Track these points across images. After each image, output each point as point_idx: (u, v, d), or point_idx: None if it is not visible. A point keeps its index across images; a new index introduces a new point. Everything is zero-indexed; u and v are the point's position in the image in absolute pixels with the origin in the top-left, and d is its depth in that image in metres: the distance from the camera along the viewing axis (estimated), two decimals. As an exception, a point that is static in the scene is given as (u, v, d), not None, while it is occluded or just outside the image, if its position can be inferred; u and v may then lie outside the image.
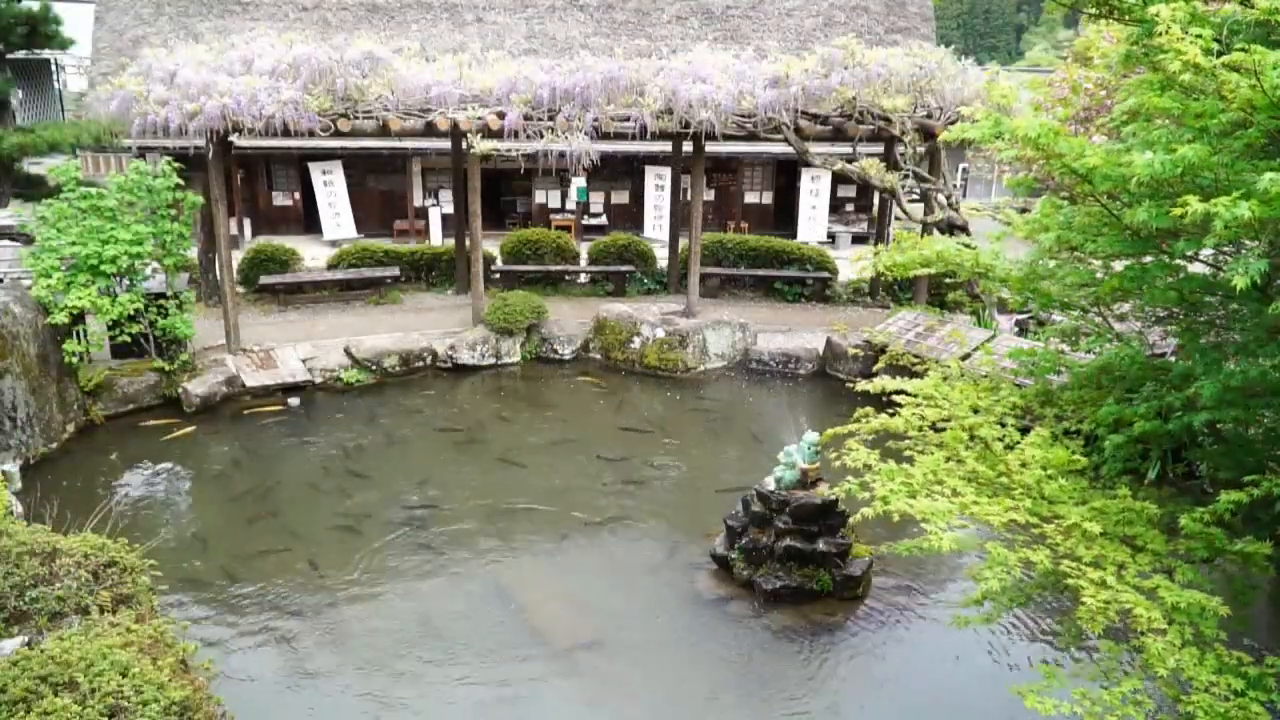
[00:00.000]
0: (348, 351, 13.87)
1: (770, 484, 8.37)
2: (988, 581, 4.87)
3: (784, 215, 23.55)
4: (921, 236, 14.35)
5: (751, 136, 14.06)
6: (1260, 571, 5.46)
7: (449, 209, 20.77)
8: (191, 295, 12.87)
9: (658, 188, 22.42)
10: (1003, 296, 7.55)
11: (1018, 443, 6.23)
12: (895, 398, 6.74)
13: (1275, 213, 4.21)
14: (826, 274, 17.55)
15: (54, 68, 28.15)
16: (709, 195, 22.72)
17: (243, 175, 21.43)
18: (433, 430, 12.23)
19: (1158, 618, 4.45)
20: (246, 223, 21.35)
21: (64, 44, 15.71)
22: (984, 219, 8.83)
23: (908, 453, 6.29)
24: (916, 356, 11.66)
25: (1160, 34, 4.78)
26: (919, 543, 5.44)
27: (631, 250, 17.93)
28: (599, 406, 13.35)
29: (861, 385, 6.94)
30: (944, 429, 6.32)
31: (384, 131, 13.35)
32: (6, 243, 14.13)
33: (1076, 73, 18.10)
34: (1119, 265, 6.45)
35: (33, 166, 15.16)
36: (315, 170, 21.18)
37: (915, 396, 6.58)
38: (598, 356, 14.84)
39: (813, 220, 22.79)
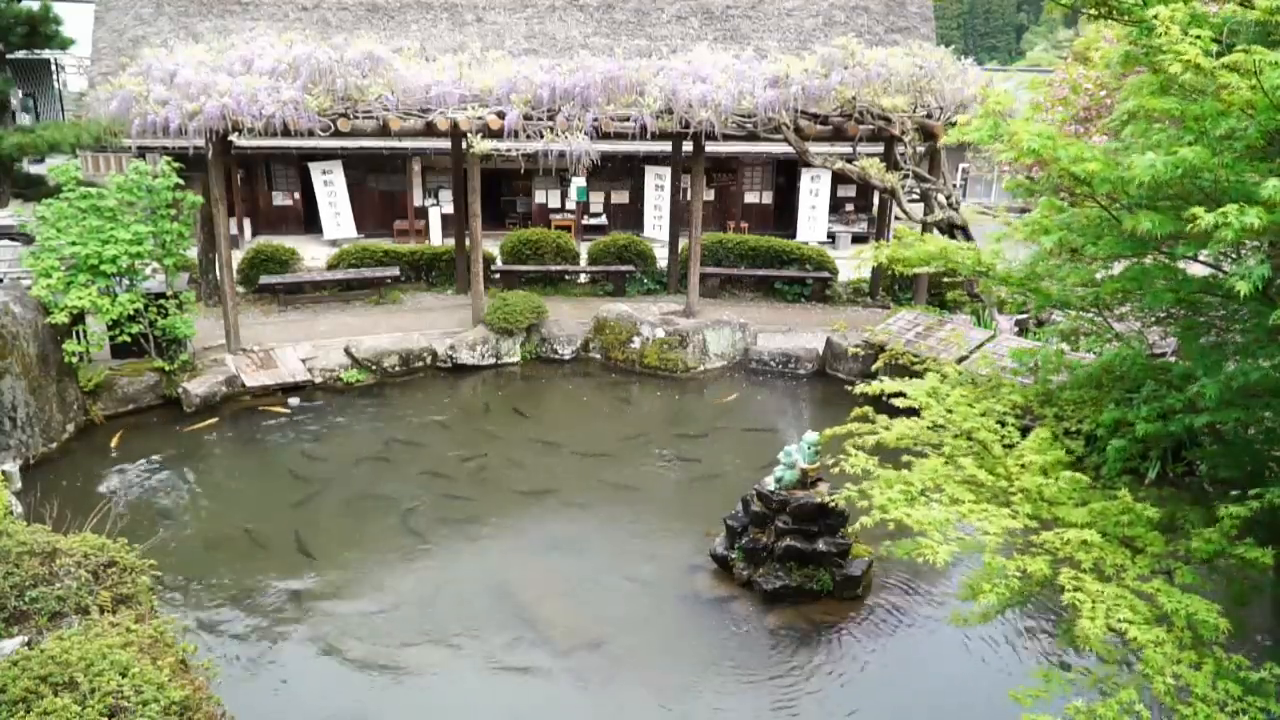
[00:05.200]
0: (348, 351, 13.87)
1: (770, 484, 8.37)
2: (986, 596, 4.86)
3: (784, 215, 23.55)
4: (921, 236, 14.33)
5: (751, 136, 14.06)
6: (1260, 574, 5.46)
7: (449, 209, 20.79)
8: (191, 295, 12.87)
9: (658, 188, 22.42)
10: (1001, 297, 7.57)
11: (1017, 443, 6.23)
12: (894, 400, 6.73)
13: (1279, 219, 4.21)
14: (826, 274, 17.55)
15: (54, 68, 28.18)
16: (709, 195, 22.72)
17: (243, 175, 21.44)
18: (434, 429, 12.22)
19: (1153, 639, 4.42)
20: (246, 223, 21.35)
21: (64, 44, 15.70)
22: (984, 221, 8.85)
23: (906, 458, 6.29)
24: (916, 356, 11.65)
25: (1160, 34, 4.78)
26: (918, 545, 5.43)
27: (631, 250, 17.94)
28: (598, 406, 13.36)
29: (860, 388, 6.92)
30: (942, 426, 6.32)
31: (384, 131, 13.35)
32: (6, 243, 14.14)
33: (1076, 72, 18.10)
34: (1119, 266, 6.44)
35: (33, 166, 15.16)
36: (315, 170, 21.19)
37: (914, 398, 6.57)
38: (598, 356, 14.84)
39: (813, 220, 22.80)
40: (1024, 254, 7.21)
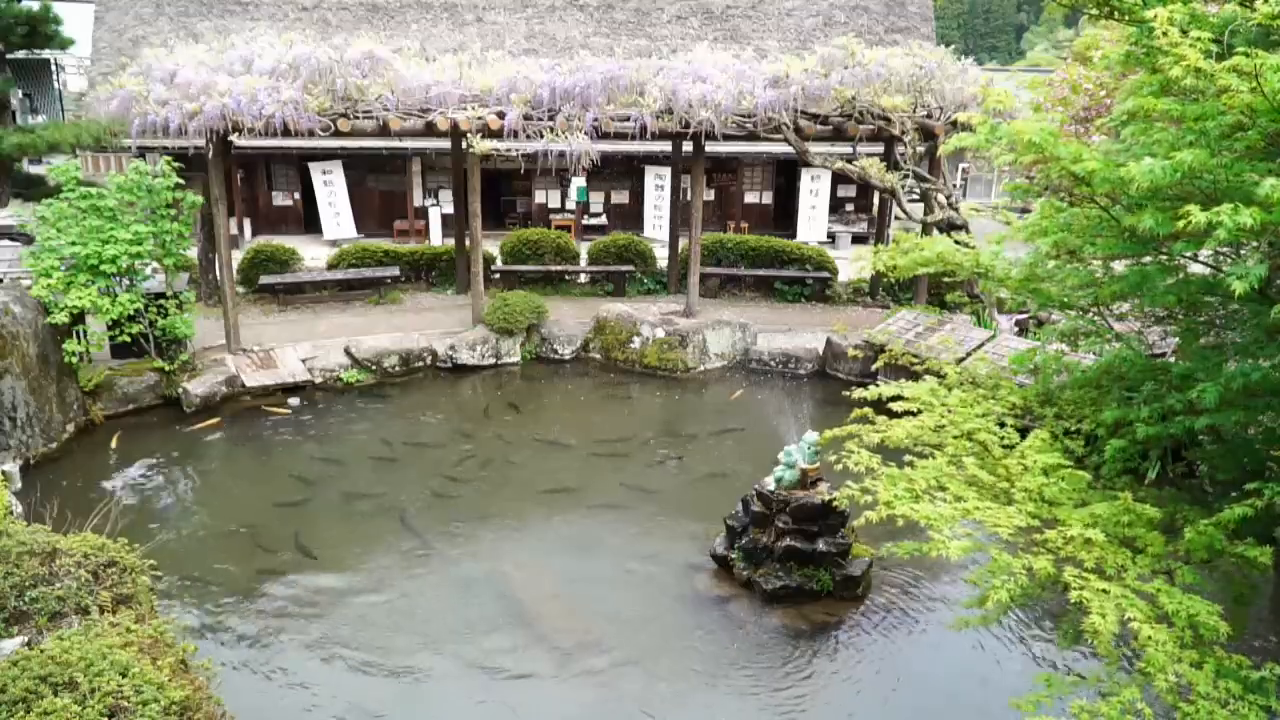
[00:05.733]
0: (348, 351, 13.87)
1: (770, 484, 8.37)
2: (997, 591, 4.86)
3: (784, 215, 23.55)
4: (921, 236, 14.34)
5: (751, 136, 14.06)
6: (1259, 573, 5.46)
7: (449, 209, 20.79)
8: (191, 295, 12.87)
9: (658, 188, 22.42)
10: (1001, 296, 7.56)
11: (1017, 444, 6.23)
12: (893, 402, 6.73)
13: (1276, 218, 4.21)
14: (826, 274, 17.55)
15: (54, 68, 28.19)
16: (709, 195, 22.72)
17: (243, 175, 21.44)
18: (434, 429, 12.22)
19: (1164, 638, 4.43)
20: (246, 223, 21.36)
21: (64, 44, 15.72)
22: (984, 219, 8.82)
23: (908, 457, 6.29)
24: (916, 356, 11.65)
25: (1159, 35, 4.78)
26: (920, 545, 5.43)
27: (631, 250, 17.94)
28: (598, 406, 13.35)
29: (858, 394, 6.90)
30: (943, 426, 6.32)
31: (384, 131, 13.35)
32: (6, 243, 14.14)
33: (1076, 72, 18.11)
34: (1119, 266, 6.44)
35: (33, 167, 15.16)
36: (315, 170, 21.19)
37: (913, 401, 6.57)
38: (598, 356, 14.84)
39: (813, 220, 22.80)
40: (1024, 253, 7.21)
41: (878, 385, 6.81)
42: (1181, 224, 4.33)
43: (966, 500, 5.33)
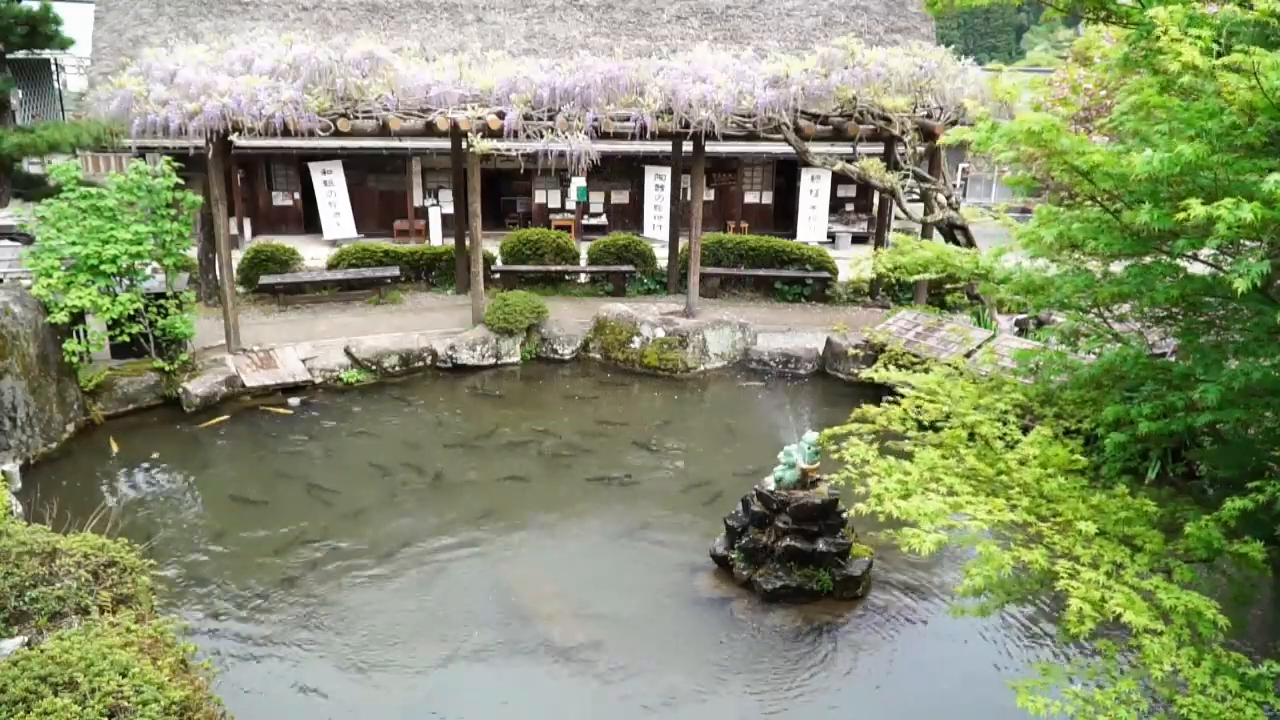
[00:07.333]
0: (348, 351, 13.87)
1: (770, 484, 8.37)
2: (973, 578, 4.87)
3: (784, 215, 23.55)
4: (921, 236, 14.33)
5: (751, 136, 14.06)
6: (1258, 572, 5.46)
7: (449, 209, 20.79)
8: (191, 295, 12.87)
9: (658, 188, 22.42)
10: (1001, 297, 7.57)
11: (1018, 441, 6.23)
12: (898, 395, 6.74)
13: (1278, 215, 4.21)
14: (826, 274, 17.56)
15: (54, 68, 28.20)
16: (709, 195, 22.71)
17: (243, 175, 21.44)
18: (435, 429, 12.22)
19: (1147, 622, 4.44)
20: (246, 223, 21.36)
21: (64, 44, 15.74)
22: (985, 221, 8.80)
23: (908, 449, 6.29)
24: (916, 356, 11.66)
25: (1159, 36, 4.78)
26: (918, 534, 5.43)
27: (631, 250, 17.94)
28: (598, 406, 13.35)
29: (866, 374, 6.91)
30: (942, 428, 6.32)
31: (384, 131, 13.35)
32: (6, 243, 14.15)
33: (1076, 73, 18.10)
34: (1118, 265, 6.44)
35: (32, 166, 15.16)
36: (315, 170, 21.19)
37: (918, 390, 6.57)
38: (598, 356, 14.84)
39: (813, 220, 22.80)
40: (1023, 257, 7.20)
41: (885, 370, 6.83)
42: (1181, 216, 4.33)
43: (960, 495, 5.33)
